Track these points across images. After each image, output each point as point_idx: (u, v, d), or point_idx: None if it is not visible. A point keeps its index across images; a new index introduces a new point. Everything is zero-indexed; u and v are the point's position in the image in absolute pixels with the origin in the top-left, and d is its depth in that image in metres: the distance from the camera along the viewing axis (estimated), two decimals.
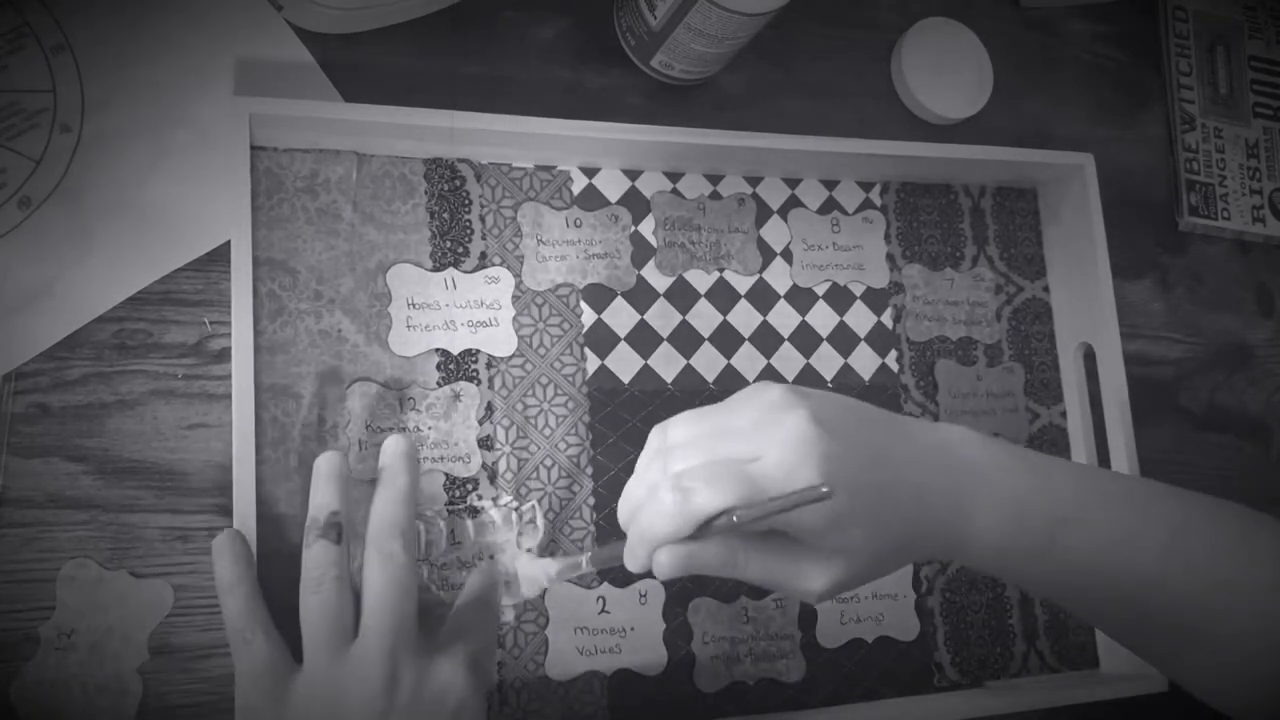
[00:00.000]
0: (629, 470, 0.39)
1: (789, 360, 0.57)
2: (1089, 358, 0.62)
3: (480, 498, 0.50)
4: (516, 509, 0.50)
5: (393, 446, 0.45)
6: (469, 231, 0.53)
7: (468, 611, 0.45)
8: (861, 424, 0.38)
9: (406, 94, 0.52)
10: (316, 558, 0.41)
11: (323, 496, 0.43)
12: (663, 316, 0.56)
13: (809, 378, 0.57)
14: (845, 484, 0.35)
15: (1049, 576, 0.41)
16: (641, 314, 0.55)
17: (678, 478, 0.36)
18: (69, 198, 0.47)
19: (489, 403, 0.51)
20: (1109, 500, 0.41)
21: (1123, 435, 0.59)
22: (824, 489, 0.34)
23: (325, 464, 0.43)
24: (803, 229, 0.59)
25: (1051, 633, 0.59)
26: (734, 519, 0.35)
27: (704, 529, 0.36)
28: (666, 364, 0.55)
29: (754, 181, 0.59)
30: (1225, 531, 0.41)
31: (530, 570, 0.47)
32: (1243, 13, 0.77)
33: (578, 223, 0.55)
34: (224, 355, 0.48)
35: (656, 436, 0.39)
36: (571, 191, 0.55)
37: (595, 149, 0.54)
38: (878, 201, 0.61)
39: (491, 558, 0.49)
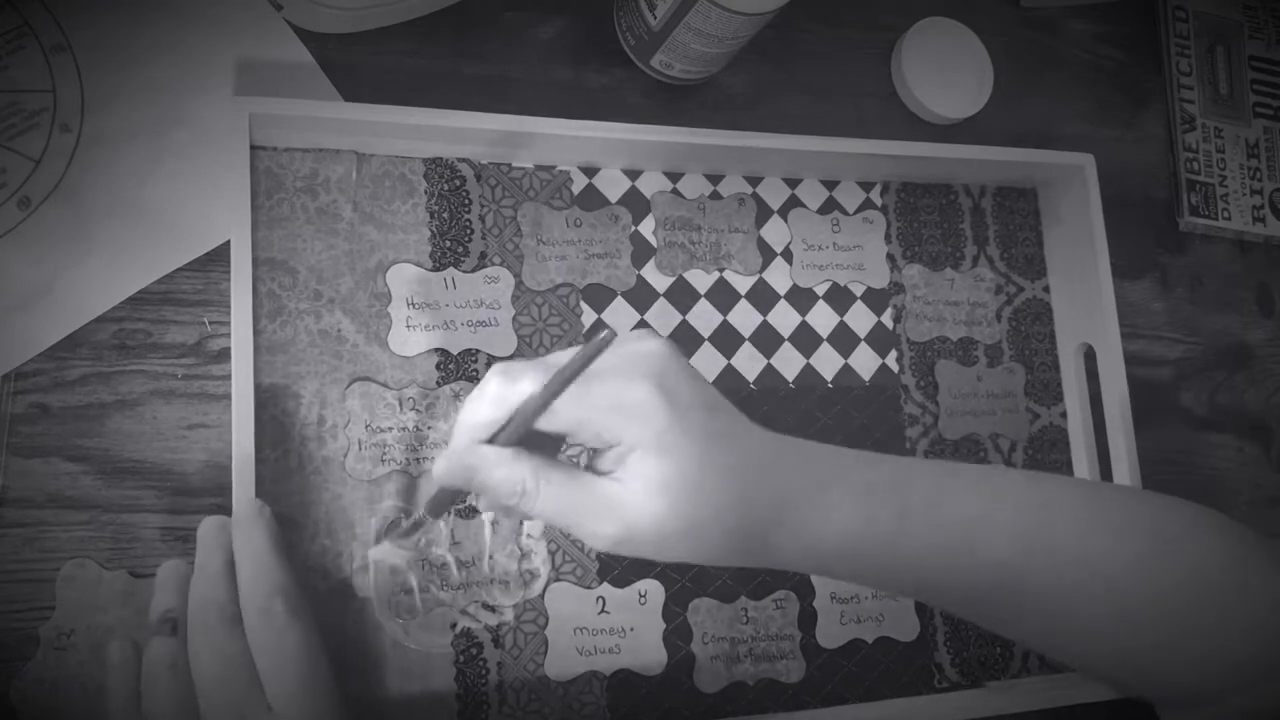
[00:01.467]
0: None
1: (789, 360, 0.57)
2: (1089, 358, 0.62)
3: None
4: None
5: (239, 513, 0.43)
6: (469, 231, 0.53)
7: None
8: (710, 397, 0.37)
9: (406, 94, 0.52)
10: (150, 655, 0.40)
11: (158, 600, 0.42)
12: (663, 316, 0.55)
13: (809, 378, 0.57)
14: (682, 401, 0.34)
15: (901, 566, 0.38)
16: (641, 314, 0.55)
17: (496, 377, 0.35)
18: (69, 198, 0.47)
19: None
20: (960, 488, 0.39)
21: (1123, 435, 0.59)
22: (607, 332, 0.33)
23: (163, 573, 0.42)
24: (803, 229, 0.59)
25: None
26: (532, 395, 0.34)
27: (512, 429, 0.35)
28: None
29: (754, 181, 0.59)
30: (1090, 509, 0.40)
31: (384, 556, 0.47)
32: (1243, 13, 0.77)
33: (578, 223, 0.55)
34: (223, 355, 0.48)
35: (496, 374, 0.37)
36: (571, 191, 0.55)
37: (595, 149, 0.54)
38: (878, 201, 0.61)
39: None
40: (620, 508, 0.35)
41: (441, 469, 0.37)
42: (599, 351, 0.34)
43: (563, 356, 0.35)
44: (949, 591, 0.40)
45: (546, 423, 0.35)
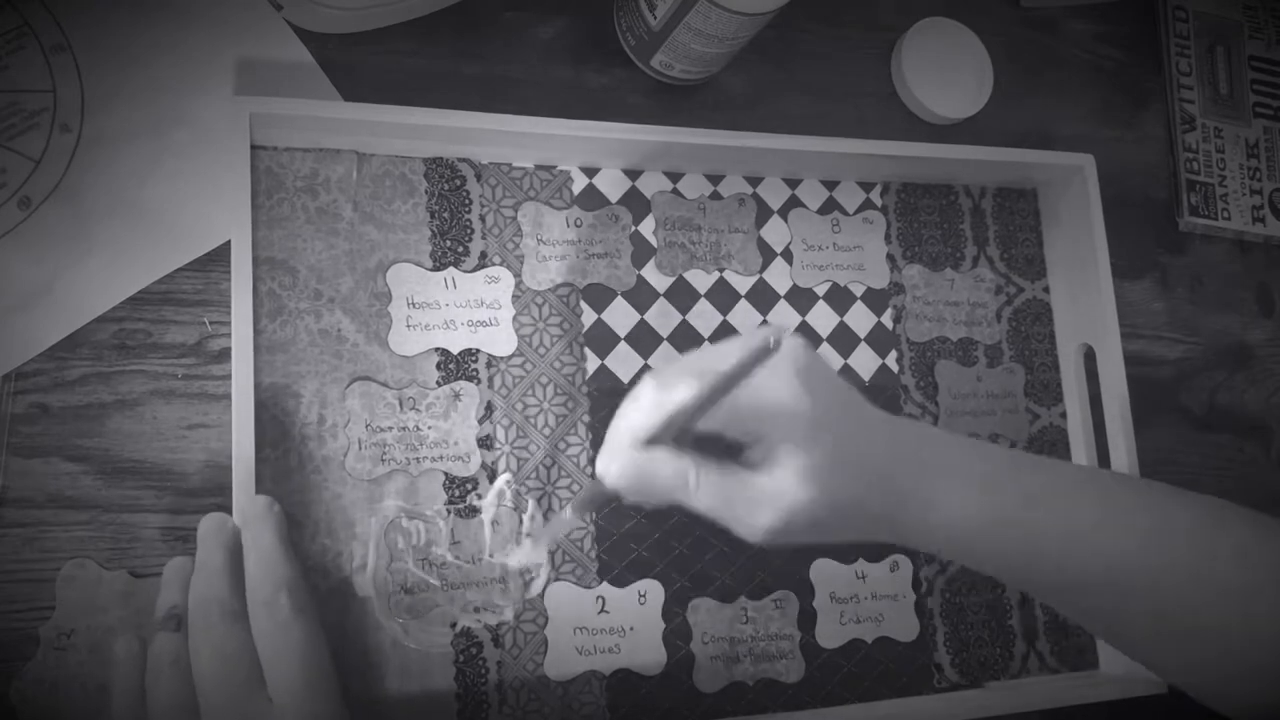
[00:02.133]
0: None
1: None
2: (1089, 358, 0.62)
3: (480, 497, 0.50)
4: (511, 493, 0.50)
5: (249, 509, 0.43)
6: (469, 231, 0.53)
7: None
8: (844, 390, 0.40)
9: (406, 94, 0.52)
10: (154, 651, 0.40)
11: (164, 597, 0.42)
12: (663, 316, 0.56)
13: None
14: (823, 393, 0.37)
15: (1021, 548, 0.40)
16: (641, 314, 0.55)
17: (658, 381, 0.37)
18: (69, 198, 0.47)
19: (489, 402, 0.51)
20: (1085, 484, 0.42)
21: (1123, 436, 0.59)
22: (773, 339, 0.35)
23: (169, 570, 0.43)
24: (803, 229, 0.59)
25: (1052, 634, 0.59)
26: (700, 402, 0.36)
27: (669, 432, 0.37)
28: (666, 364, 0.55)
29: (754, 181, 0.59)
30: (1204, 524, 0.41)
31: (523, 558, 0.48)
32: (1243, 13, 0.77)
33: (578, 222, 0.55)
34: (224, 355, 0.48)
35: (651, 384, 0.39)
36: (571, 191, 0.55)
37: (595, 149, 0.54)
38: (878, 202, 0.61)
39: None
40: (775, 499, 0.37)
41: (613, 471, 0.38)
42: (761, 361, 0.35)
43: (706, 357, 0.38)
44: (1058, 582, 0.41)
45: (699, 423, 0.37)
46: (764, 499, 0.37)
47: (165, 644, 0.40)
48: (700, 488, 0.37)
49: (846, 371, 0.59)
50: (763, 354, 0.35)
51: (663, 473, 0.37)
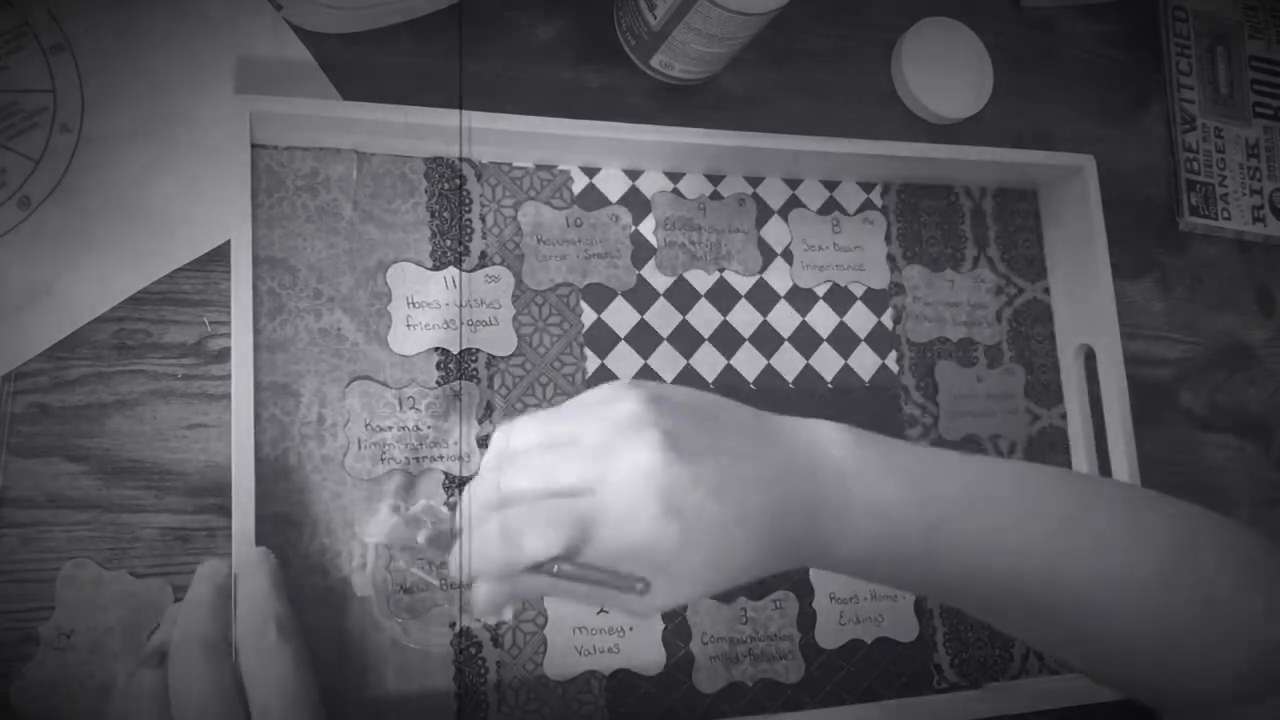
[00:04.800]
0: None
1: (789, 361, 0.57)
2: (1089, 359, 0.62)
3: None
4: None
5: (244, 557, 0.43)
6: (469, 230, 0.53)
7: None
8: (721, 432, 0.36)
9: (406, 93, 0.52)
10: (135, 685, 0.40)
11: (159, 634, 0.42)
12: (663, 316, 0.55)
13: (809, 378, 0.57)
14: (691, 512, 0.34)
15: (928, 578, 0.39)
16: (641, 314, 0.55)
17: (505, 518, 0.35)
18: (68, 198, 0.47)
19: (489, 402, 0.51)
20: (993, 495, 0.39)
21: (1123, 436, 0.59)
22: (640, 585, 0.34)
23: (170, 609, 0.44)
24: (803, 229, 0.59)
25: None
26: (555, 570, 0.34)
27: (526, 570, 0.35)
28: (666, 364, 0.55)
29: (754, 182, 0.59)
30: (1121, 519, 0.40)
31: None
32: (1243, 13, 0.77)
33: (578, 222, 0.55)
34: (223, 355, 0.48)
35: (500, 438, 0.38)
36: (571, 191, 0.55)
37: (595, 149, 0.54)
38: (878, 202, 0.61)
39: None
40: (656, 598, 0.35)
41: (483, 602, 0.36)
42: (625, 591, 0.34)
43: (557, 416, 0.36)
44: (980, 589, 0.39)
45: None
46: (659, 599, 0.35)
47: (146, 679, 0.40)
48: (578, 585, 0.35)
49: (846, 371, 0.59)
50: (627, 585, 0.34)
51: (536, 590, 0.35)
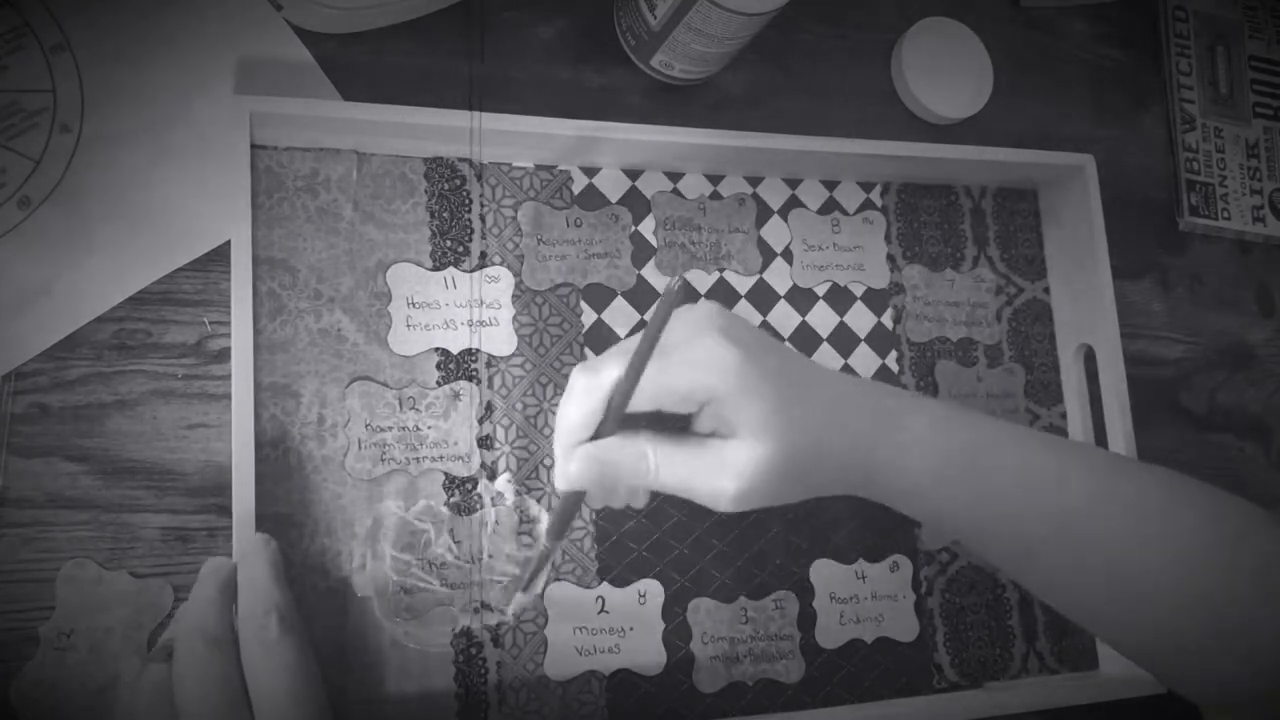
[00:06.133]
0: None
1: None
2: (1089, 359, 0.62)
3: (479, 497, 0.50)
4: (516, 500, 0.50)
5: (245, 544, 0.43)
6: (469, 231, 0.53)
7: None
8: (771, 341, 0.40)
9: (406, 94, 0.52)
10: (143, 679, 0.40)
11: (167, 634, 0.42)
12: None
13: None
14: (755, 345, 0.36)
15: (974, 498, 0.40)
16: (641, 314, 0.55)
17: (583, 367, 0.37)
18: (68, 198, 0.47)
19: (489, 402, 0.51)
20: (1030, 439, 0.42)
21: (1123, 436, 0.59)
22: (675, 284, 0.35)
23: (179, 611, 0.44)
24: (803, 229, 0.59)
25: (1051, 634, 0.59)
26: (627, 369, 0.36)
27: (613, 416, 0.36)
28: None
29: (754, 181, 0.59)
30: (1155, 486, 0.41)
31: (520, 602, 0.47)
32: (1243, 13, 0.77)
33: (578, 222, 0.55)
34: (223, 355, 0.48)
35: (581, 376, 0.39)
36: (571, 191, 0.55)
37: (595, 149, 0.54)
38: (878, 202, 0.61)
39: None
40: (733, 461, 0.36)
41: (573, 471, 0.37)
42: (670, 306, 0.35)
43: (624, 344, 0.37)
44: (1022, 530, 0.40)
45: (636, 404, 0.37)
46: (722, 462, 0.37)
47: (152, 674, 0.40)
48: (659, 466, 0.37)
49: (847, 371, 0.58)
50: (669, 300, 0.35)
51: (619, 458, 0.37)
